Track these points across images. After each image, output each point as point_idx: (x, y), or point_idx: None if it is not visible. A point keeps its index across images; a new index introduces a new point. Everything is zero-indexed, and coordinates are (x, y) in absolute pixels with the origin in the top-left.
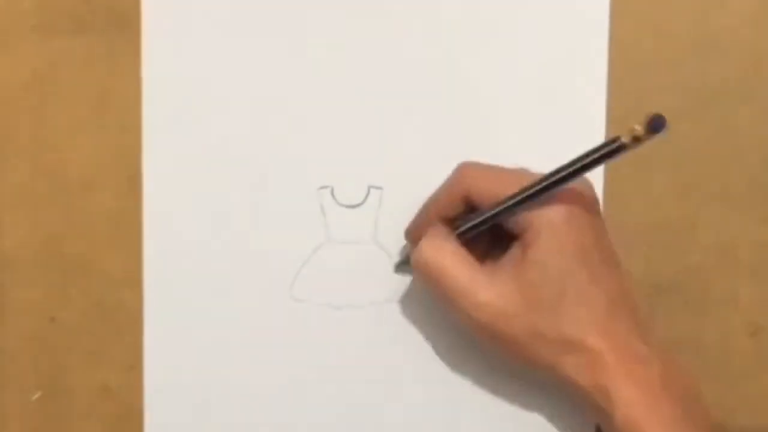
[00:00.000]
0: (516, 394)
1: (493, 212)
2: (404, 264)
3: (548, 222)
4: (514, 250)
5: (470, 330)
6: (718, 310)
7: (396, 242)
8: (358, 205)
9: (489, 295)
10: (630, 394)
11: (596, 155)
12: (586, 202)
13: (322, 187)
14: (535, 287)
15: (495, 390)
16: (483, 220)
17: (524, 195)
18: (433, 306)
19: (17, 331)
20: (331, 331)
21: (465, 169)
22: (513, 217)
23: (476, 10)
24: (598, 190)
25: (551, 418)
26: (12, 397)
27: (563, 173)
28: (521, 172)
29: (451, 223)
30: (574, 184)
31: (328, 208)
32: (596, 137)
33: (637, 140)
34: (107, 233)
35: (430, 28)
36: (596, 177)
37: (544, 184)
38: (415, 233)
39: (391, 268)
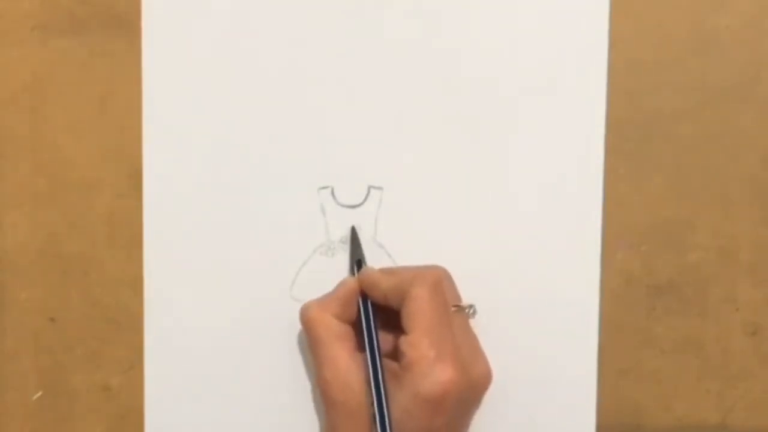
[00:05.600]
0: (516, 394)
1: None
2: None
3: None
4: None
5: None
6: (717, 310)
7: (396, 242)
8: (358, 205)
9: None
10: None
11: None
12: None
13: (322, 187)
14: None
15: (495, 390)
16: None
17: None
18: None
19: (17, 331)
20: None
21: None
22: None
23: (476, 10)
24: (599, 191)
25: (552, 418)
26: (12, 397)
27: None
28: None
29: None
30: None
31: (328, 208)
32: (596, 137)
33: None
34: (107, 233)
35: (430, 28)
36: (596, 177)
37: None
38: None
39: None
